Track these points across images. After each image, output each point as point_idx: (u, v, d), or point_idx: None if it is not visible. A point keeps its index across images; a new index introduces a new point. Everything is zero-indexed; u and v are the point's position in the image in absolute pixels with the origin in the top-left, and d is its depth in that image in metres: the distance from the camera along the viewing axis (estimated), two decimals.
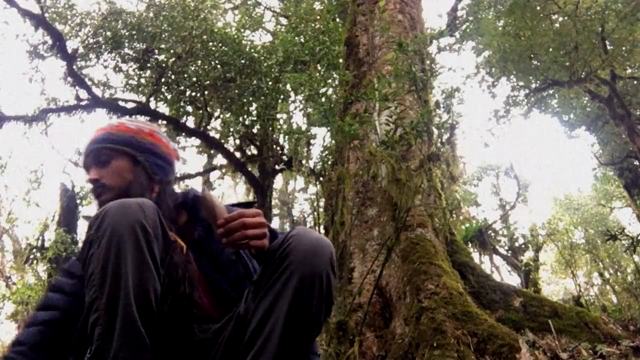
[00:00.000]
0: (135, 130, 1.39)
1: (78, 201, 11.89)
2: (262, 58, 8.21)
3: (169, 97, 9.09)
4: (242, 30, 9.23)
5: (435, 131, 4.11)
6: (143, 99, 9.21)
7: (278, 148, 9.62)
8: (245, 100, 8.27)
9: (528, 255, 11.94)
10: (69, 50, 8.34)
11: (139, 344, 1.00)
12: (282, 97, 8.32)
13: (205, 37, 8.22)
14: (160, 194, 1.36)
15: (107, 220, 1.05)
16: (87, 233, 1.10)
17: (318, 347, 1.26)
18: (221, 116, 9.58)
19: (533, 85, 9.45)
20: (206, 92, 8.77)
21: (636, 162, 10.55)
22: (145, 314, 1.03)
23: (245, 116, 8.78)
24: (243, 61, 8.21)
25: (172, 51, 8.55)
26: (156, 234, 1.09)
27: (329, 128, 5.29)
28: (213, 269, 1.31)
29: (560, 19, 8.17)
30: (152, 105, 9.10)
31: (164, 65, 8.66)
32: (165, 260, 1.15)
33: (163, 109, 9.36)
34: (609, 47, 7.79)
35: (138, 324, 1.00)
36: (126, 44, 8.61)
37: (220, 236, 1.13)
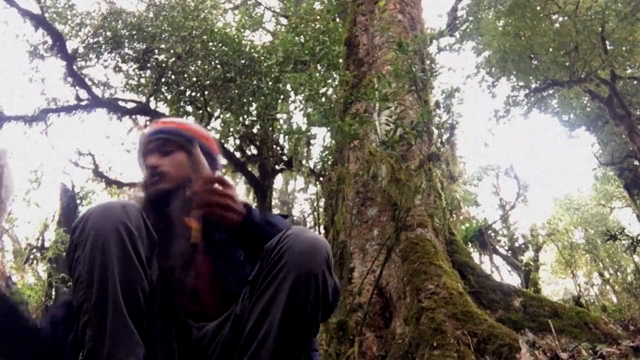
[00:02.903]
0: (196, 131, 1.50)
1: (78, 201, 11.89)
2: (262, 58, 8.20)
3: (169, 97, 9.08)
4: (242, 30, 9.23)
5: (435, 131, 4.11)
6: (143, 99, 9.21)
7: (278, 148, 9.62)
8: (245, 100, 8.27)
9: (528, 255, 11.93)
10: (69, 50, 8.34)
11: (131, 343, 1.00)
12: (282, 97, 8.32)
13: (205, 37, 8.21)
14: None
15: (91, 223, 1.06)
16: (71, 236, 1.11)
17: (318, 344, 1.26)
18: (221, 116, 9.57)
19: (533, 85, 9.44)
20: (206, 92, 8.76)
21: (636, 162, 10.53)
22: (135, 313, 1.03)
23: (245, 116, 8.78)
24: (243, 61, 8.21)
25: (172, 51, 8.54)
26: (140, 234, 1.10)
27: (329, 128, 5.28)
28: (226, 269, 1.33)
29: (560, 19, 8.17)
30: (152, 105, 9.10)
31: (164, 65, 8.66)
32: (152, 260, 1.15)
33: (163, 109, 9.35)
34: (609, 47, 7.79)
35: (129, 323, 1.01)
36: (126, 44, 8.60)
37: (190, 195, 1.15)
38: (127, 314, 1.01)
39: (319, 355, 1.24)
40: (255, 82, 7.99)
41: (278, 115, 8.48)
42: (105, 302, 1.00)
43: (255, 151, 9.83)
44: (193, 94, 8.96)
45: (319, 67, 7.60)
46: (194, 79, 8.61)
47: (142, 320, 1.06)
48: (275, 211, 11.46)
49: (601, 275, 14.38)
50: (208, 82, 8.38)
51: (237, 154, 9.66)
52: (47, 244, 11.51)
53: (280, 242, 1.10)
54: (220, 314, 1.23)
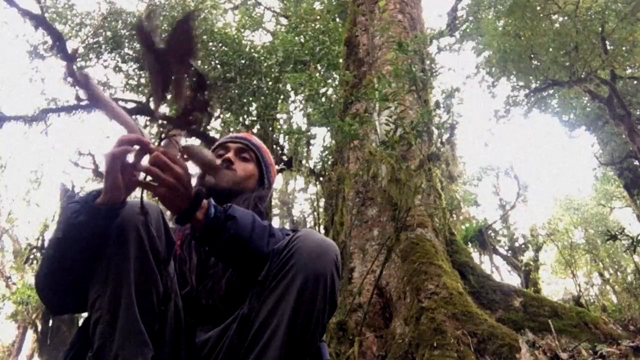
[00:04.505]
0: (265, 150, 1.66)
1: None
2: (262, 58, 8.21)
3: (169, 97, 9.08)
4: (242, 30, 9.23)
5: (435, 131, 4.11)
6: (143, 99, 9.21)
7: (278, 148, 9.62)
8: (245, 100, 8.27)
9: (528, 255, 11.93)
10: (69, 50, 8.35)
11: (139, 343, 1.00)
12: (282, 97, 8.32)
13: (205, 37, 8.22)
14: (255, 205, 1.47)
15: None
16: None
17: (326, 352, 1.25)
18: (221, 116, 9.58)
19: (533, 85, 9.44)
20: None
21: (636, 162, 10.53)
22: (146, 313, 1.03)
23: (245, 116, 8.79)
24: (243, 61, 8.21)
25: None
26: (159, 234, 1.10)
27: (329, 128, 5.29)
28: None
29: (560, 19, 8.16)
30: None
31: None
32: (168, 261, 1.16)
33: (163, 109, 9.34)
34: (609, 47, 7.78)
35: (139, 323, 1.01)
36: (126, 44, 8.61)
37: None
38: (139, 315, 1.01)
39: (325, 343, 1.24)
40: (255, 82, 7.99)
41: (278, 115, 8.49)
42: (118, 300, 1.01)
43: None
44: None
45: (319, 67, 7.60)
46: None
47: (153, 322, 1.06)
48: (275, 211, 11.46)
49: (601, 275, 14.38)
50: (208, 82, 8.37)
51: None
52: (47, 244, 11.51)
53: (289, 243, 1.10)
54: (229, 316, 1.23)
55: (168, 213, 1.27)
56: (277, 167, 9.63)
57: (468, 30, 10.85)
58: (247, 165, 1.56)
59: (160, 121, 1.05)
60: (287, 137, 8.73)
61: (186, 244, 1.34)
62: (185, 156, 1.06)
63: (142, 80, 9.25)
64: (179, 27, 0.93)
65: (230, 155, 1.55)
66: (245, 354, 1.05)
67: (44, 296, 1.15)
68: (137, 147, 1.03)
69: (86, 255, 1.06)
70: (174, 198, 1.06)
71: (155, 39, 0.95)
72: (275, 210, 11.50)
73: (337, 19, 8.61)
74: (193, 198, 1.08)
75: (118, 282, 1.01)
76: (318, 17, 8.57)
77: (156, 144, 1.04)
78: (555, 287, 16.60)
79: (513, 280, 11.28)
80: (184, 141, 1.08)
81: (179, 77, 0.98)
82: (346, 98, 4.83)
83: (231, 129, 9.28)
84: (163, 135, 1.03)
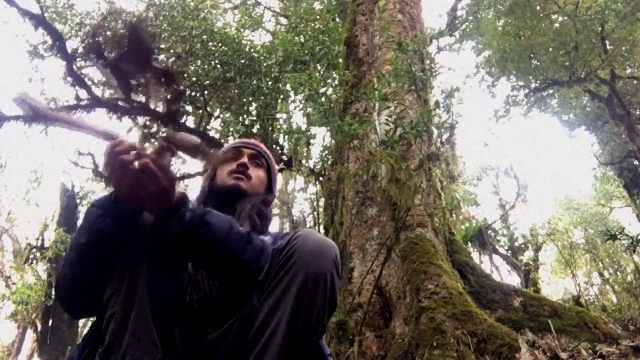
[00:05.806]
0: (273, 159, 1.75)
1: (78, 201, 11.89)
2: (262, 58, 8.20)
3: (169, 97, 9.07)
4: (242, 30, 9.23)
5: (435, 131, 4.11)
6: (143, 99, 9.19)
7: (278, 148, 9.61)
8: (245, 100, 8.26)
9: (528, 255, 11.93)
10: (69, 50, 8.34)
11: (148, 344, 1.01)
12: (282, 97, 8.31)
13: (205, 37, 8.22)
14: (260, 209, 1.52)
15: None
16: None
17: (327, 348, 1.26)
18: (221, 116, 9.57)
19: (533, 85, 9.44)
20: (206, 92, 8.76)
21: (636, 162, 10.53)
22: (159, 314, 1.05)
23: (245, 116, 8.77)
24: (243, 61, 8.20)
25: (172, 51, 8.54)
26: None
27: (329, 128, 5.28)
28: None
29: (560, 19, 8.16)
30: (153, 105, 9.09)
31: (164, 65, 8.65)
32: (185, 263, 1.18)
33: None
34: (609, 47, 7.78)
35: (150, 324, 1.02)
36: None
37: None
38: (151, 315, 1.03)
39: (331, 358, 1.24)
40: (255, 82, 7.98)
41: (278, 115, 8.48)
42: (132, 299, 1.02)
43: None
44: (193, 94, 8.95)
45: (319, 67, 7.60)
46: (194, 79, 8.61)
47: (164, 323, 1.07)
48: (276, 211, 11.45)
49: (601, 275, 14.38)
50: (208, 82, 8.37)
51: None
52: (47, 244, 11.51)
53: (290, 242, 1.11)
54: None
55: None
56: (277, 167, 9.63)
57: (468, 30, 10.85)
58: (259, 172, 1.61)
59: (145, 123, 1.08)
60: (287, 137, 8.71)
61: None
62: (170, 146, 1.08)
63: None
64: (130, 39, 0.95)
65: (245, 160, 1.59)
66: (246, 353, 1.05)
67: (66, 301, 1.17)
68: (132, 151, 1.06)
69: (109, 258, 1.09)
70: (154, 206, 1.07)
71: (107, 52, 0.98)
72: (275, 210, 11.50)
73: (337, 19, 8.61)
74: (175, 202, 1.09)
75: (134, 282, 1.04)
76: (318, 17, 8.57)
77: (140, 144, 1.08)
78: (555, 287, 16.60)
79: (513, 280, 11.28)
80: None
81: (144, 79, 1.00)
82: (346, 98, 4.83)
83: (231, 129, 9.28)
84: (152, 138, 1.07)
